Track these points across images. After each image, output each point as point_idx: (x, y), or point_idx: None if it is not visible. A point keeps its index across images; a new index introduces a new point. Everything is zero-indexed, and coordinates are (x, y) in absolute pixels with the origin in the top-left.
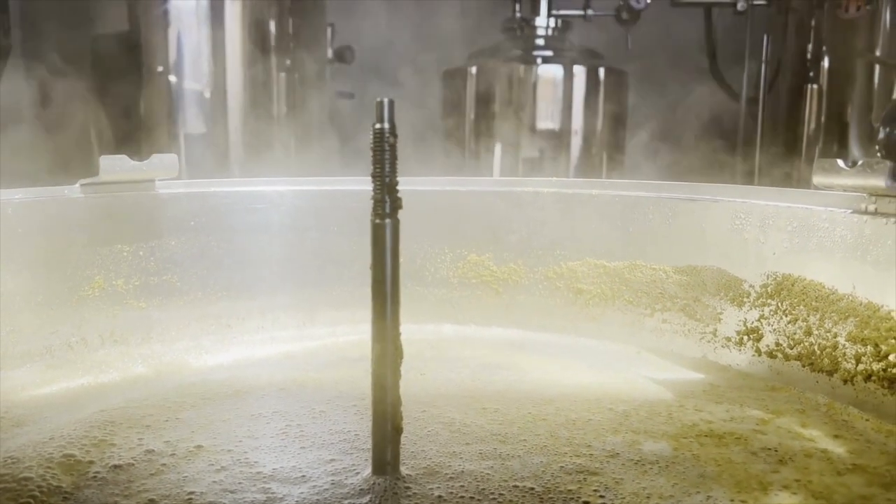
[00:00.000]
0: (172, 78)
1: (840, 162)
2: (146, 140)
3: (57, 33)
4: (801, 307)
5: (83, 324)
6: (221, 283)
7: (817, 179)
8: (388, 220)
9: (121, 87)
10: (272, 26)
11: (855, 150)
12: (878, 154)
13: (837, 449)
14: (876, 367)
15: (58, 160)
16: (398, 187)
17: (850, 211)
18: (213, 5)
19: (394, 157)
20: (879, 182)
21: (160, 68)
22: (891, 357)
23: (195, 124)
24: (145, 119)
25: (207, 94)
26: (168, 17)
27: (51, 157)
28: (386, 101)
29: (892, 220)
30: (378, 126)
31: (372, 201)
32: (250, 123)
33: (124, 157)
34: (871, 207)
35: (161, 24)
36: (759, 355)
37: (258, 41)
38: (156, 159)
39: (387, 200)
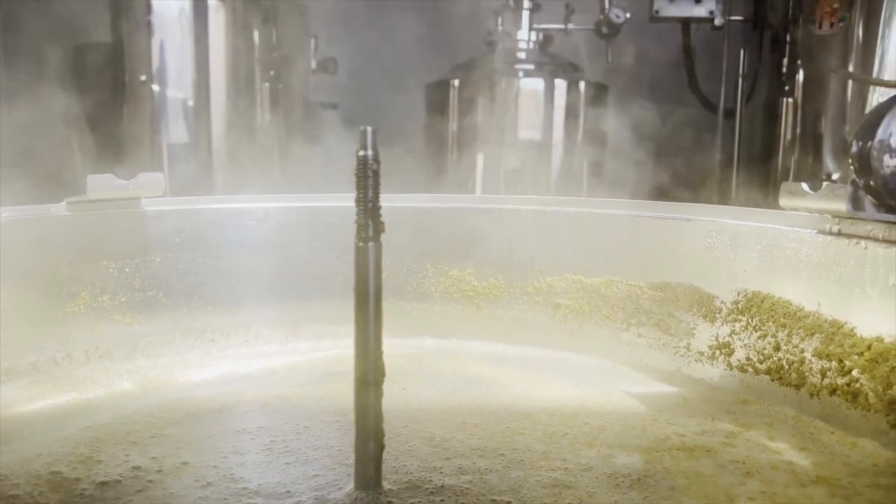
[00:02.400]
0: (156, 87)
1: (805, 185)
2: (129, 148)
3: (39, 44)
4: (770, 323)
5: (69, 340)
6: (206, 299)
7: (784, 202)
8: (371, 244)
9: (104, 97)
10: (256, 37)
11: (829, 162)
12: (851, 167)
13: (802, 461)
14: (840, 381)
15: (42, 170)
16: (381, 211)
17: (815, 231)
18: (197, 16)
19: (377, 183)
20: (841, 206)
21: (143, 77)
22: (854, 372)
23: (178, 133)
24: (128, 128)
25: (191, 104)
26: (151, 26)
27: (35, 168)
28: (369, 129)
29: (855, 241)
30: (361, 153)
31: (356, 225)
32: (233, 133)
33: (111, 175)
34: (835, 229)
35: (144, 33)
36: (731, 369)
37: (242, 52)
38: (142, 178)
39: (370, 224)
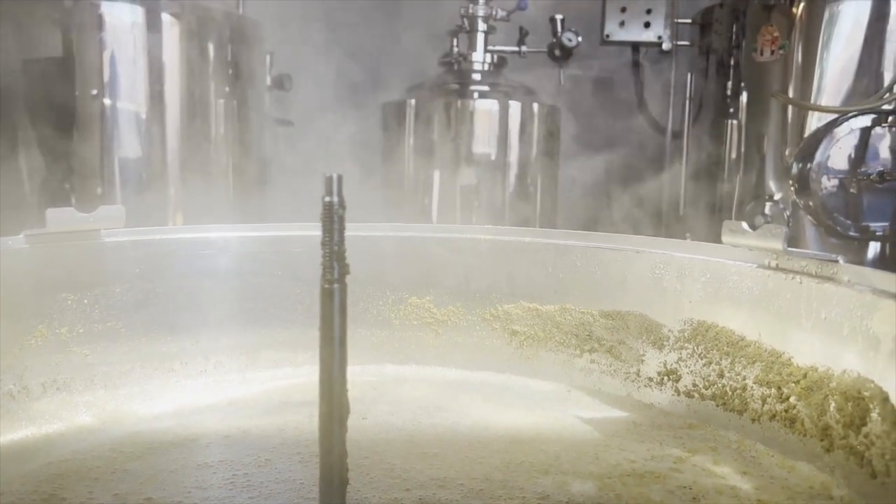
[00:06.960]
0: (108, 101)
1: (744, 224)
2: (79, 162)
3: None
4: (715, 351)
5: (25, 373)
6: (166, 328)
7: (726, 239)
8: (336, 286)
9: (54, 112)
10: (211, 52)
11: (771, 182)
12: (792, 188)
13: (744, 485)
14: (779, 407)
15: None
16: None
17: (755, 266)
18: (151, 30)
19: (342, 227)
20: (777, 245)
21: (95, 91)
22: (791, 399)
23: (130, 148)
24: (78, 142)
25: (143, 118)
26: (103, 41)
27: None
28: (335, 175)
29: (791, 275)
30: (327, 199)
31: (321, 267)
32: (187, 148)
33: (71, 209)
34: (774, 263)
35: (96, 47)
36: (679, 395)
37: (196, 67)
38: (102, 211)
39: (335, 267)
